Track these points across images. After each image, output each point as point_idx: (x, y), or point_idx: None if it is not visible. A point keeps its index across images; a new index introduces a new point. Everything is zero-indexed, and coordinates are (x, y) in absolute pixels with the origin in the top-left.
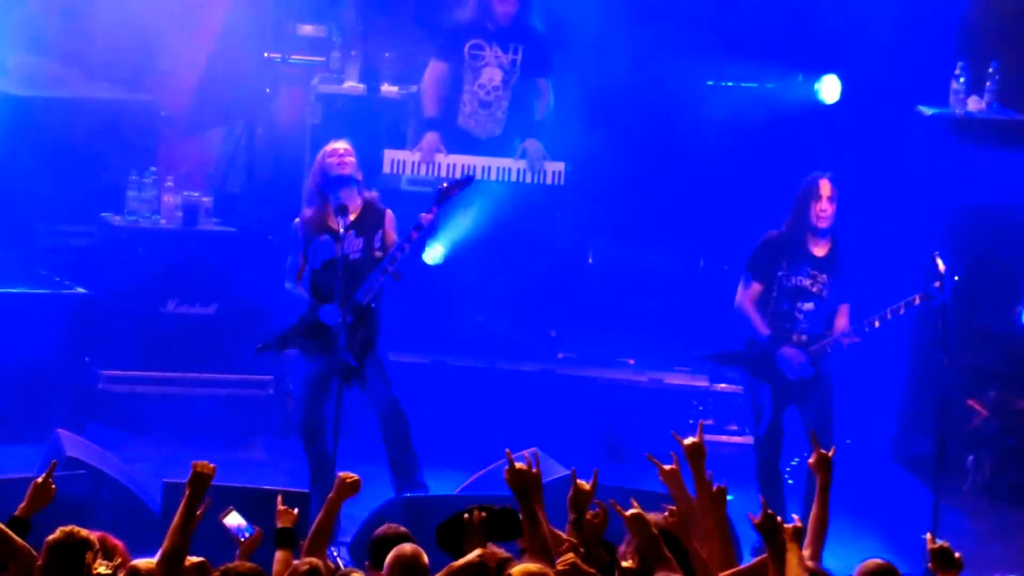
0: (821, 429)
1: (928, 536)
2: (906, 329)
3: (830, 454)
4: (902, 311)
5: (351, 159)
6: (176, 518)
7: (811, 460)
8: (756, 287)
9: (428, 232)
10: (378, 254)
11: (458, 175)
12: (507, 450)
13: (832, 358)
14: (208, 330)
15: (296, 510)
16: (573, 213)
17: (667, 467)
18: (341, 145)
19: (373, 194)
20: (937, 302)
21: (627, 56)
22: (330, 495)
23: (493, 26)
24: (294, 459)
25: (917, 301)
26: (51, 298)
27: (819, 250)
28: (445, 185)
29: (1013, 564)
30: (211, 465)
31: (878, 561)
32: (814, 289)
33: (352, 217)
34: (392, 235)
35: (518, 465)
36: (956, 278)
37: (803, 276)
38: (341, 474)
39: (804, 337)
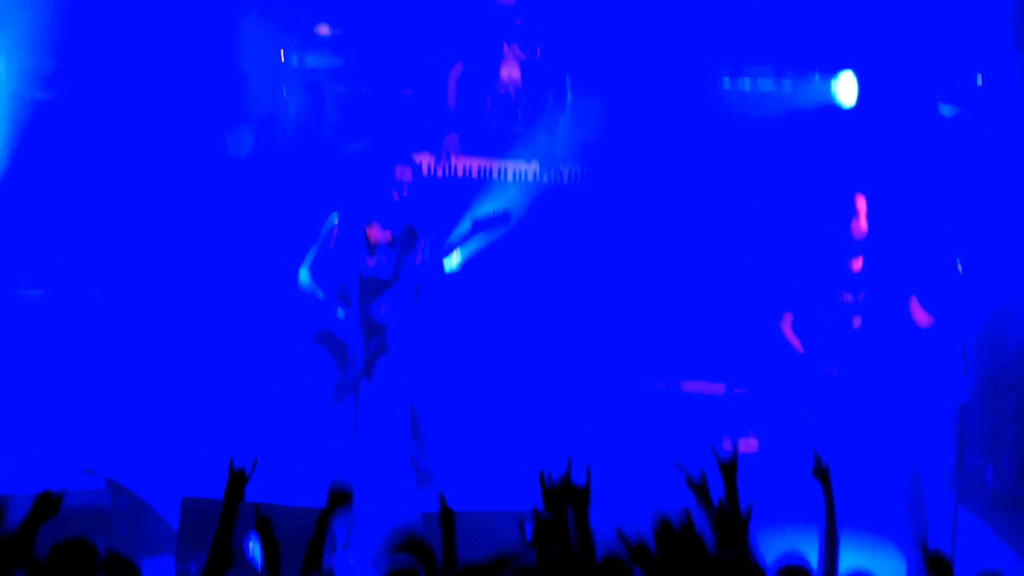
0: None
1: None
2: (923, 336)
3: (826, 464)
4: None
5: (405, 192)
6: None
7: (812, 469)
8: (798, 312)
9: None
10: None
11: (474, 175)
12: (541, 471)
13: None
14: (228, 336)
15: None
16: (588, 215)
17: (724, 458)
18: (409, 173)
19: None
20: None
21: (642, 57)
22: (323, 508)
23: (512, 24)
24: (310, 472)
25: None
26: (73, 304)
27: (855, 264)
28: (482, 217)
29: None
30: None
31: (793, 565)
32: (857, 304)
33: (388, 237)
34: (419, 258)
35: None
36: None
37: (845, 292)
38: (333, 485)
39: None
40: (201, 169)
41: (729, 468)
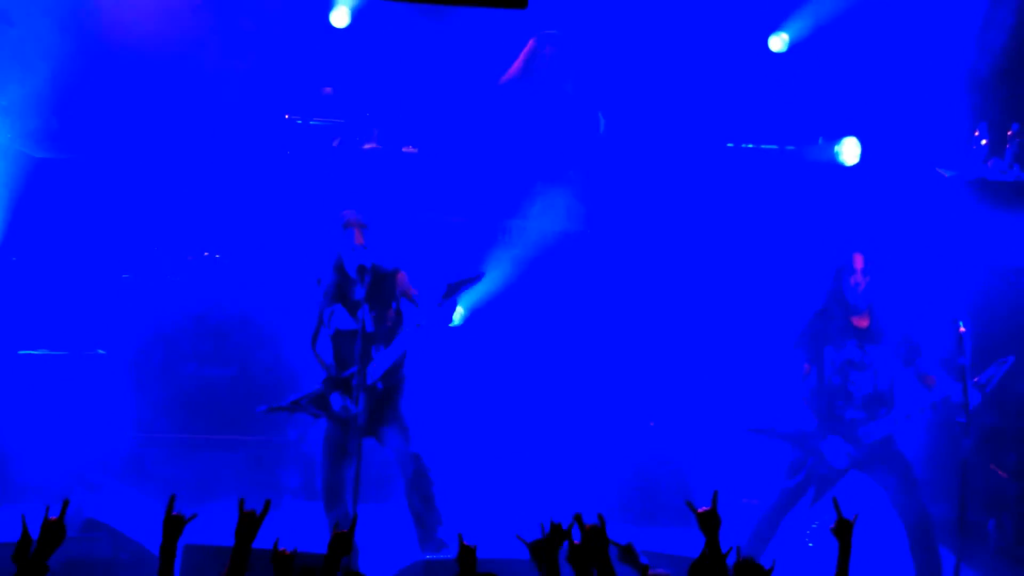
0: (908, 499)
1: None
2: (926, 392)
3: (852, 520)
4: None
5: (363, 242)
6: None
7: (832, 526)
8: (807, 368)
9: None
10: (390, 324)
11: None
12: (574, 519)
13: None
14: (230, 391)
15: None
16: (593, 275)
17: (702, 510)
18: (358, 237)
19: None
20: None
21: (647, 118)
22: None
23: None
24: (314, 520)
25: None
26: (73, 360)
27: (860, 322)
28: (455, 282)
29: None
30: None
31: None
32: (863, 361)
33: (361, 294)
34: (411, 291)
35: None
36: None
37: (850, 349)
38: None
39: (857, 415)
40: (206, 229)
41: (708, 520)
